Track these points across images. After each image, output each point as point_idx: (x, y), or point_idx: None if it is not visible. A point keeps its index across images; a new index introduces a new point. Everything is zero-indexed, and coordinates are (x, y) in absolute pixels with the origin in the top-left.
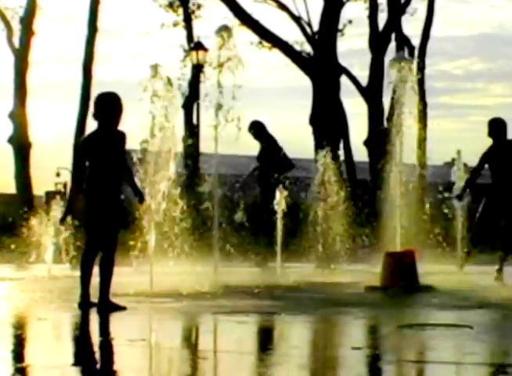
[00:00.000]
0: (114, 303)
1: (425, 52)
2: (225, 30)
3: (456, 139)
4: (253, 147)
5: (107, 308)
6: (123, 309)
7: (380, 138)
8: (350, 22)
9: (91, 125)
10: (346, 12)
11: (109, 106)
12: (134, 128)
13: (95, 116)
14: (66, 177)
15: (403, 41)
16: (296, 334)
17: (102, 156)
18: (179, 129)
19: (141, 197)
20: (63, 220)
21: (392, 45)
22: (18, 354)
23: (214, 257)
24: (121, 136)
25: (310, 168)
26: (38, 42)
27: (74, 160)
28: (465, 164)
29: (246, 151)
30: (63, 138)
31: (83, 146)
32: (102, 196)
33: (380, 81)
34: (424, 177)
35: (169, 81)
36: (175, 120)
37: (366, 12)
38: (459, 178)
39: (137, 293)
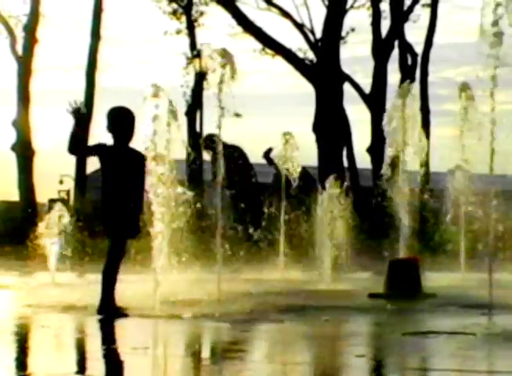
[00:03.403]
0: (117, 309)
1: (428, 59)
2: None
3: (459, 146)
4: None
5: (108, 313)
6: (125, 315)
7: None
8: (353, 29)
9: (94, 133)
10: (349, 20)
11: (125, 121)
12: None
13: (110, 129)
14: (70, 185)
15: (406, 49)
16: (299, 342)
17: (117, 171)
18: (182, 137)
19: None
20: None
21: (395, 53)
22: (21, 362)
23: None
24: (141, 158)
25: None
26: (41, 50)
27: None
28: (468, 172)
29: None
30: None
31: (97, 146)
32: (114, 206)
33: (383, 89)
34: (428, 184)
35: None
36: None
37: (369, 20)
38: None
39: (141, 300)
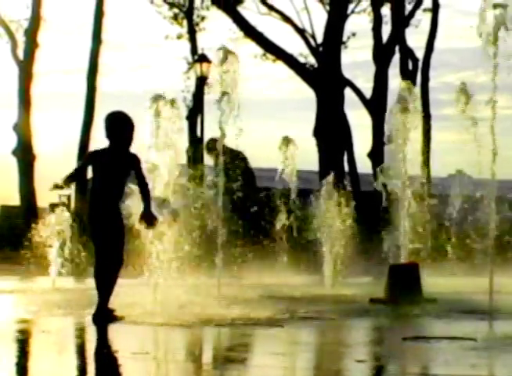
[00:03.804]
0: (112, 314)
1: (429, 64)
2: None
3: (460, 151)
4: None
5: (103, 318)
6: (120, 319)
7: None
8: (354, 34)
9: (96, 137)
10: (350, 25)
11: (122, 126)
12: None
13: (108, 136)
14: (71, 189)
15: (407, 53)
16: (299, 347)
17: (106, 173)
18: (183, 141)
19: (149, 220)
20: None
21: (396, 57)
22: (21, 367)
23: None
24: (132, 158)
25: (314, 180)
26: (42, 54)
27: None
28: (469, 177)
29: None
30: (68, 149)
31: (90, 157)
32: (101, 211)
33: (384, 93)
34: (429, 189)
35: (173, 103)
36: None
37: (370, 25)
38: None
39: (141, 305)
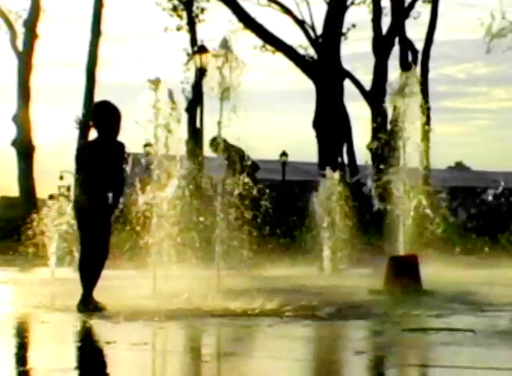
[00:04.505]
0: (96, 303)
1: (428, 55)
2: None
3: (459, 144)
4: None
5: (88, 307)
6: (102, 309)
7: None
8: (353, 26)
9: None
10: (349, 16)
11: (109, 115)
12: (136, 132)
13: (95, 125)
14: (70, 180)
15: (407, 45)
16: (298, 338)
17: (98, 165)
18: (182, 133)
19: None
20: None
21: (396, 49)
22: (21, 357)
23: None
24: (120, 147)
25: (314, 172)
26: (42, 45)
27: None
28: (468, 168)
29: None
30: (67, 141)
31: (82, 153)
32: (92, 201)
33: (383, 85)
34: (428, 181)
35: (171, 95)
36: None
37: (370, 16)
38: None
39: (139, 297)
